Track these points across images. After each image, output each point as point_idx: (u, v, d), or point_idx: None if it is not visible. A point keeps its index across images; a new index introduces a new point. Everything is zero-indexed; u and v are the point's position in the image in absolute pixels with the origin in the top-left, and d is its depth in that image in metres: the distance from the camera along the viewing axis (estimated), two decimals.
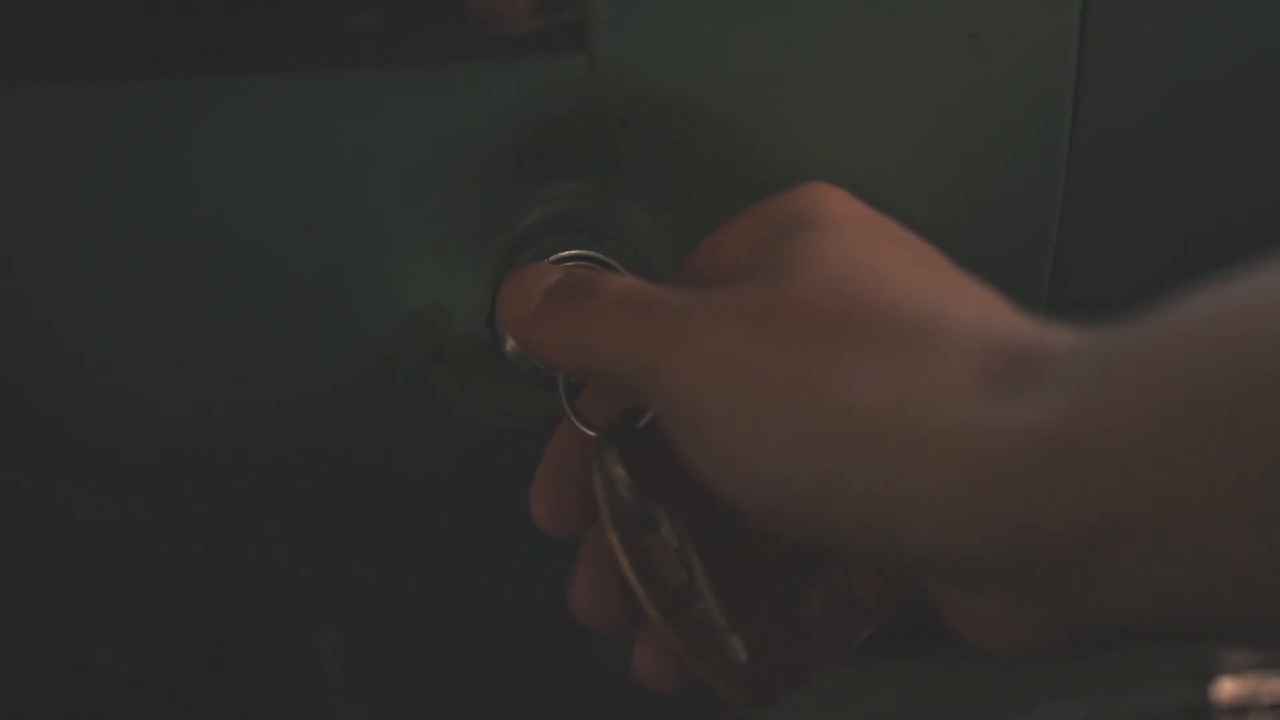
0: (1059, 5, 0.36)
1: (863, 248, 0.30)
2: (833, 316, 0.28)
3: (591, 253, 0.38)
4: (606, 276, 0.33)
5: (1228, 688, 0.68)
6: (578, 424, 0.35)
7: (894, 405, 0.26)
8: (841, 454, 0.26)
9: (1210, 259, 0.41)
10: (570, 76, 0.35)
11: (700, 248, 0.34)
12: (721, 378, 0.28)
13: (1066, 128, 0.37)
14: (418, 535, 0.42)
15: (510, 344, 0.38)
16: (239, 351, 0.38)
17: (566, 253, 0.38)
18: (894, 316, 0.27)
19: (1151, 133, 0.39)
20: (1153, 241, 0.40)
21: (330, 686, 0.67)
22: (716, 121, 0.36)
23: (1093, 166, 0.38)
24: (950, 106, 0.37)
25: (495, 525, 0.42)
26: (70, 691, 0.66)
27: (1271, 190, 0.40)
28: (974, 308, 0.28)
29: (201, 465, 0.40)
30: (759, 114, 0.36)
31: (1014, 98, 0.37)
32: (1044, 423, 0.24)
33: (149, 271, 0.36)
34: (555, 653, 0.68)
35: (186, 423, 0.39)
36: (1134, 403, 0.23)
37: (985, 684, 0.66)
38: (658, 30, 0.35)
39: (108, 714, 0.67)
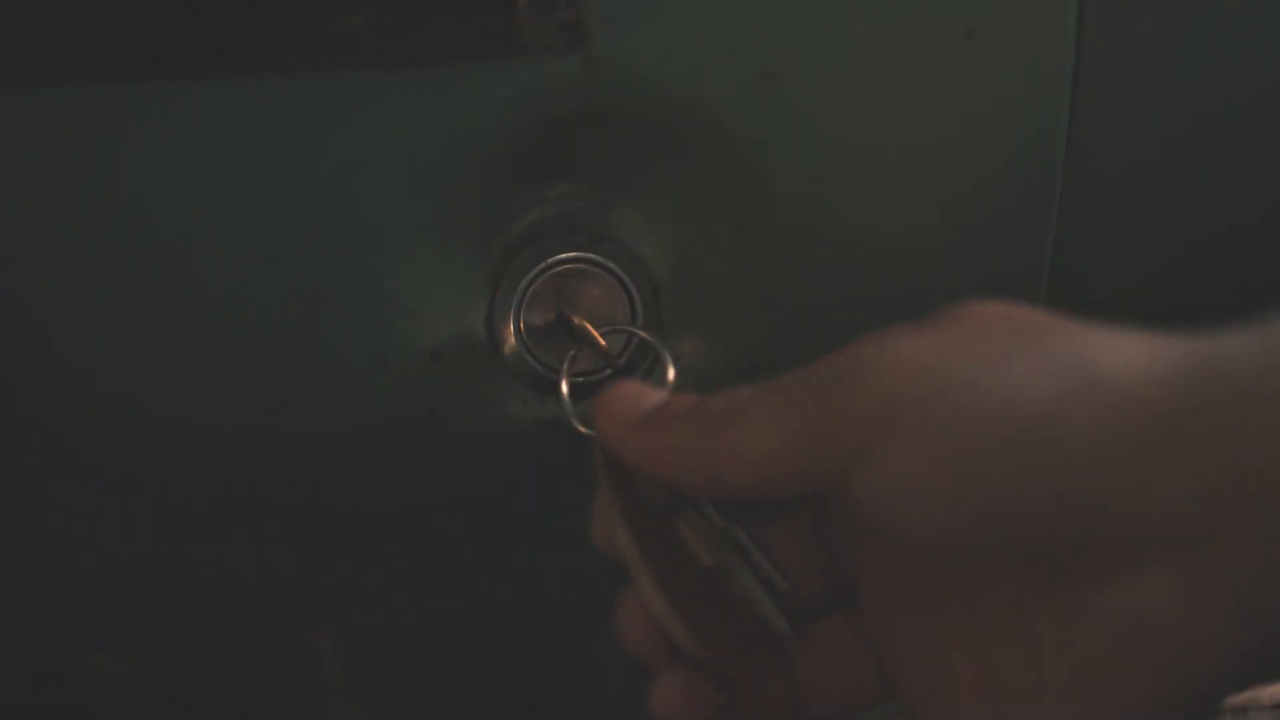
0: (1056, 4, 0.36)
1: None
2: (1004, 326, 0.29)
3: (589, 254, 0.38)
4: (711, 396, 0.32)
5: None
6: (580, 426, 0.35)
7: (1080, 374, 0.27)
8: (1040, 426, 0.27)
9: (1208, 259, 0.41)
10: (568, 77, 0.35)
11: None
12: (908, 385, 0.28)
13: (1064, 127, 0.38)
14: (417, 535, 0.42)
15: (509, 345, 0.38)
16: (238, 352, 0.38)
17: (565, 254, 0.38)
18: (1062, 322, 0.29)
19: (1149, 132, 0.39)
20: (1150, 241, 0.40)
21: (330, 686, 0.67)
22: (714, 121, 0.36)
23: (1090, 166, 0.38)
24: (947, 105, 0.37)
25: (494, 525, 0.42)
26: (69, 694, 0.66)
27: (1270, 190, 0.40)
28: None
29: (200, 466, 0.40)
30: (756, 114, 0.36)
31: (1011, 96, 0.37)
32: (1231, 371, 0.26)
33: (148, 272, 0.36)
34: (555, 653, 0.68)
35: (185, 423, 0.39)
36: None
37: None
38: (655, 30, 0.35)
39: (107, 716, 0.67)
